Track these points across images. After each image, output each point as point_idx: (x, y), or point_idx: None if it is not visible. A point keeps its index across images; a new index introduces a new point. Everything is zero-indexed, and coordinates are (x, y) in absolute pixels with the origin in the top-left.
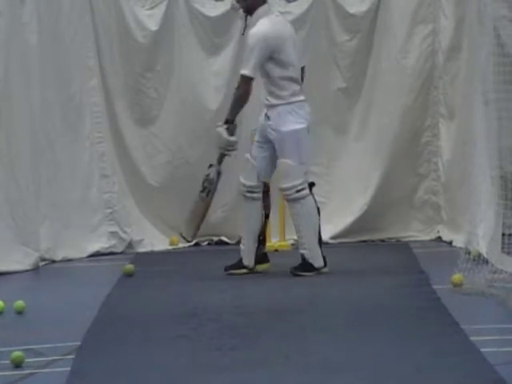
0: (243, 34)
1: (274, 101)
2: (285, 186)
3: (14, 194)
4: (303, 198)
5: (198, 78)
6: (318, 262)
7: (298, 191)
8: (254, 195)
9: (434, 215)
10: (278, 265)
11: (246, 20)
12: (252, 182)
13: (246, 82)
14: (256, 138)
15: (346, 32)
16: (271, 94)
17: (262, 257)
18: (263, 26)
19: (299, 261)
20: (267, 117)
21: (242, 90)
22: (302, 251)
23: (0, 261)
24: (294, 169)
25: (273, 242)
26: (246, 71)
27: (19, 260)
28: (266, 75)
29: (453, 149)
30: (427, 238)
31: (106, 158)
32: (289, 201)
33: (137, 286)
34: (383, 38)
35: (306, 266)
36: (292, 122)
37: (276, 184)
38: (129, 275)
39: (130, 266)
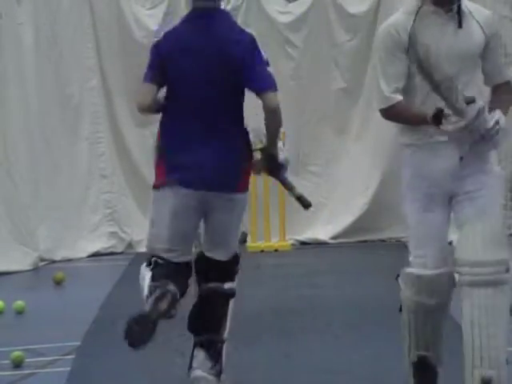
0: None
1: None
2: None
3: (11, 195)
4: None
5: None
6: None
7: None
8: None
9: None
10: (278, 265)
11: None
12: None
13: None
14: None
15: (346, 32)
16: None
17: None
18: None
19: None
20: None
21: None
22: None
23: None
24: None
25: (273, 241)
26: None
27: (18, 260)
28: None
29: None
30: None
31: (106, 159)
32: (480, 285)
33: (137, 286)
34: None
35: None
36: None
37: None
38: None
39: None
